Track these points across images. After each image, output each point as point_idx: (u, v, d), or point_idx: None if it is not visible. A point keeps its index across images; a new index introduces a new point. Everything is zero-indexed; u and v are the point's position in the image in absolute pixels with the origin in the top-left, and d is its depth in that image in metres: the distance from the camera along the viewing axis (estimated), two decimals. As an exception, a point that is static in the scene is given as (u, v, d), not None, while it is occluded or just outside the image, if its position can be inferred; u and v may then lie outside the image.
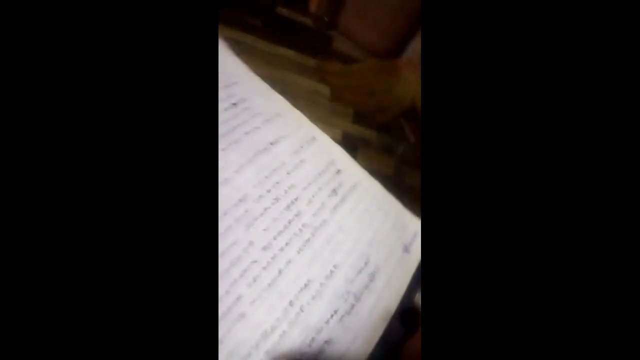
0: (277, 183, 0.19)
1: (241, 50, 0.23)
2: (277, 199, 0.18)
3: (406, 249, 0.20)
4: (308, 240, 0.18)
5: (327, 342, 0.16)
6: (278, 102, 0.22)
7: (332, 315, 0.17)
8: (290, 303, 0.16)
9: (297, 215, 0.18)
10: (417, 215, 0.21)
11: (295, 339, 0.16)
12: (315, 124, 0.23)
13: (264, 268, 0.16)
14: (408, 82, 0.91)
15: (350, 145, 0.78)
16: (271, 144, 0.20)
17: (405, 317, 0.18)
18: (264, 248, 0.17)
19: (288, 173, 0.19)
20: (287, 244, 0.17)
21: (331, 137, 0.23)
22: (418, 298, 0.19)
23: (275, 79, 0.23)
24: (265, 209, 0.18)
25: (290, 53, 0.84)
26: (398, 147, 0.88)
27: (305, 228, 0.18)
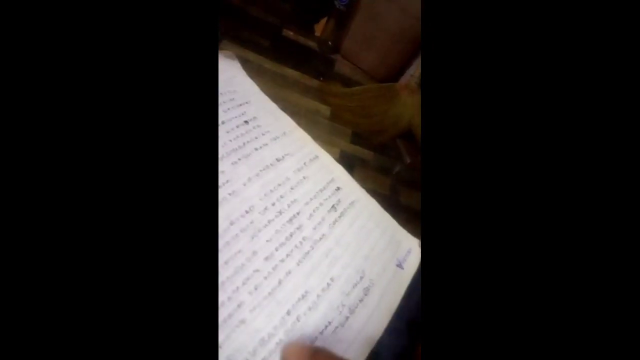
0: (281, 197, 0.20)
1: (248, 69, 0.25)
2: (280, 212, 0.19)
3: (400, 265, 0.21)
4: (307, 253, 0.19)
5: (321, 352, 0.17)
6: (285, 122, 0.24)
7: (326, 327, 0.17)
8: (288, 312, 0.17)
9: (299, 228, 0.19)
10: (411, 233, 0.23)
11: (291, 347, 0.16)
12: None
13: (265, 277, 0.17)
14: (405, 105, 0.95)
15: (348, 164, 0.80)
16: (277, 160, 0.21)
17: (411, 327, 0.19)
18: (266, 258, 0.18)
19: (292, 188, 0.20)
20: (287, 255, 0.18)
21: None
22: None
23: (278, 97, 0.24)
24: (269, 221, 0.19)
25: (294, 73, 0.88)
26: (394, 167, 0.90)
27: (305, 241, 0.19)
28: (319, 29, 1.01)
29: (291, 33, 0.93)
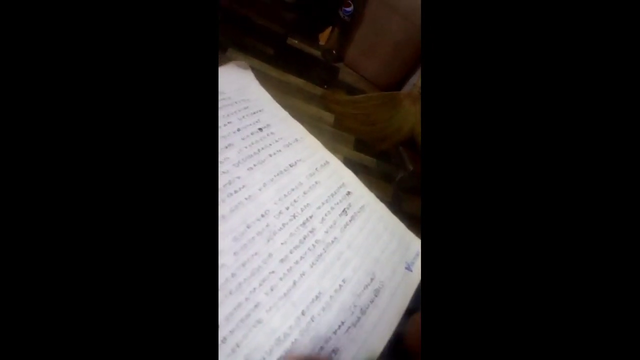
0: (295, 201, 0.20)
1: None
2: (294, 216, 0.20)
3: (409, 268, 0.21)
4: (320, 255, 0.19)
5: (334, 351, 0.17)
6: (297, 129, 0.25)
7: (339, 327, 0.18)
8: (303, 312, 0.17)
9: (312, 231, 0.20)
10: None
11: (305, 346, 0.17)
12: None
13: (281, 279, 0.18)
14: (408, 113, 0.96)
15: (351, 171, 0.80)
16: (290, 166, 0.22)
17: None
18: (282, 260, 0.18)
19: (304, 193, 0.21)
20: (301, 257, 0.19)
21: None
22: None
23: (283, 105, 0.25)
24: (284, 225, 0.19)
25: (298, 81, 0.89)
26: (396, 174, 0.91)
27: (318, 244, 0.20)
28: (323, 38, 1.03)
29: (296, 42, 0.95)
